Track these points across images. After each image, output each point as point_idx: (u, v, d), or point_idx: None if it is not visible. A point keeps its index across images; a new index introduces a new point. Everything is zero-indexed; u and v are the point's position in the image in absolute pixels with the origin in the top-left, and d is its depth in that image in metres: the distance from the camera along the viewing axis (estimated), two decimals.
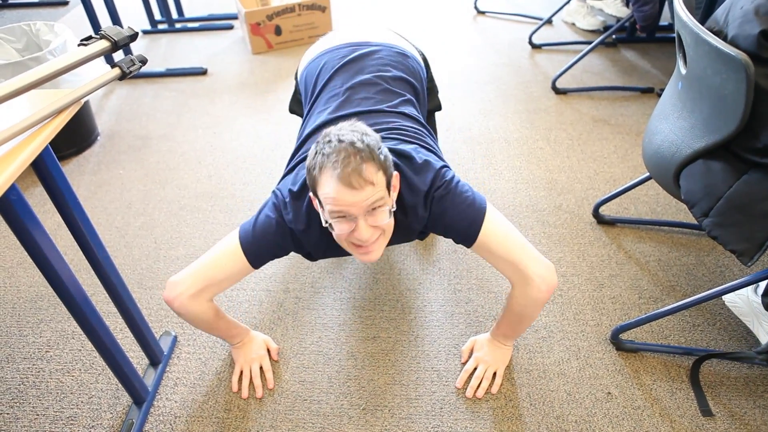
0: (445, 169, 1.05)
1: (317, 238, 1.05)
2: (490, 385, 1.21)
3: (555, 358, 1.28)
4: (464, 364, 1.27)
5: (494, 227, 1.02)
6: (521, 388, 1.22)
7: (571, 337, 1.32)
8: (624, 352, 1.28)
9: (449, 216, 1.02)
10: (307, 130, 1.18)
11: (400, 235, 1.08)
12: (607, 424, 1.14)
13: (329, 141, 0.91)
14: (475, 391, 1.20)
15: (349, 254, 1.07)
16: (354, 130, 0.92)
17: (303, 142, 1.17)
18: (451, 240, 1.60)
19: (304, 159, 1.08)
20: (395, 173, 0.99)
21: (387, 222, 0.96)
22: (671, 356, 1.27)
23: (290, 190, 1.05)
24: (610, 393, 1.20)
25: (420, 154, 1.05)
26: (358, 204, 0.89)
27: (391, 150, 1.03)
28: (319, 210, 0.97)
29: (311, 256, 1.14)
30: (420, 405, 1.19)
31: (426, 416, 1.17)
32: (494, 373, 1.23)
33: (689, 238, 1.58)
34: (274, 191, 1.09)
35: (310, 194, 0.99)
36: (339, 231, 0.94)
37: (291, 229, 1.04)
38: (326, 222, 0.95)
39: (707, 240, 1.57)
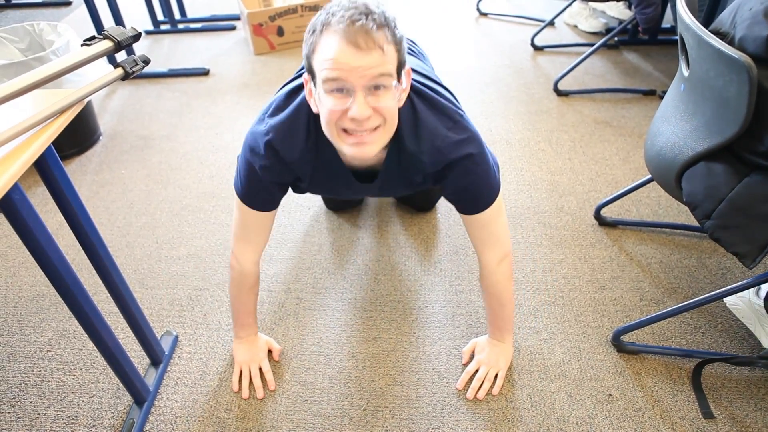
0: (476, 130, 0.99)
1: (301, 148, 0.94)
2: (491, 387, 1.21)
3: (556, 360, 1.28)
4: (465, 365, 1.27)
5: (499, 205, 1.06)
6: (522, 389, 1.22)
7: (572, 339, 1.32)
8: (625, 354, 1.28)
9: (474, 181, 0.99)
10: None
11: (404, 168, 0.98)
12: (608, 426, 1.14)
13: (339, 2, 0.80)
14: (476, 393, 1.20)
15: (340, 192, 1.06)
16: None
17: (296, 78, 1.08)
18: (452, 241, 1.61)
19: (295, 78, 1.02)
20: (408, 68, 0.88)
21: (390, 107, 0.83)
22: (672, 358, 1.27)
23: (275, 101, 0.98)
24: (611, 395, 1.20)
25: (447, 93, 1.03)
26: (361, 70, 0.76)
27: (424, 85, 0.98)
28: (311, 96, 0.87)
29: (298, 182, 1.05)
30: (421, 406, 1.19)
31: (427, 417, 1.17)
32: (495, 375, 1.23)
33: (691, 240, 1.58)
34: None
35: (304, 76, 0.88)
36: (331, 107, 0.81)
37: (267, 151, 0.95)
38: (319, 104, 0.83)
39: (709, 242, 1.57)
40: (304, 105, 0.95)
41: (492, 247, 1.10)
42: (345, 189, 1.09)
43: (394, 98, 0.83)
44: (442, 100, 0.98)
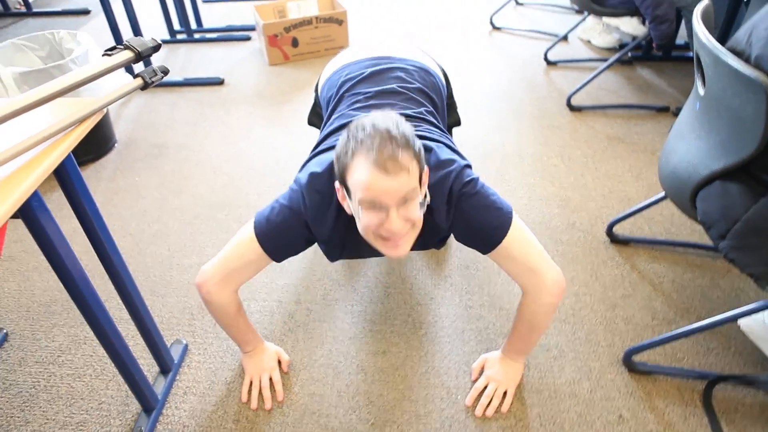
0: (468, 168, 1.03)
1: (330, 228, 1.02)
2: (500, 404, 1.20)
3: (566, 379, 1.26)
4: (474, 381, 1.26)
5: (519, 233, 1.03)
6: (532, 408, 1.20)
7: (582, 358, 1.31)
8: (636, 374, 1.27)
9: (476, 217, 1.00)
10: (330, 128, 1.16)
11: (426, 235, 1.03)
12: None
13: (363, 128, 0.88)
14: (485, 410, 1.19)
15: (365, 256, 1.07)
16: (389, 118, 0.90)
17: (326, 137, 1.15)
18: (463, 255, 1.60)
19: (329, 149, 1.06)
20: (426, 169, 0.97)
21: (418, 215, 0.93)
22: (685, 380, 1.25)
23: (311, 174, 1.02)
24: (621, 416, 1.18)
25: (444, 150, 1.04)
26: (392, 192, 0.86)
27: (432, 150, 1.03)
28: (345, 201, 0.95)
29: (329, 252, 1.11)
30: (429, 422, 1.18)
31: None
32: (504, 392, 1.21)
33: (704, 259, 1.56)
34: (295, 178, 1.07)
35: (336, 184, 0.96)
36: (367, 222, 0.91)
37: (305, 218, 1.02)
38: (355, 213, 0.92)
39: (722, 262, 1.55)
40: (334, 194, 1.01)
41: (527, 279, 1.06)
42: (369, 254, 1.13)
43: (419, 206, 0.93)
44: (431, 144, 1.04)
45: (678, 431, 1.15)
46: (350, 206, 0.94)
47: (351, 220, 1.00)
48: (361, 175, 0.86)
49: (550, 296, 1.06)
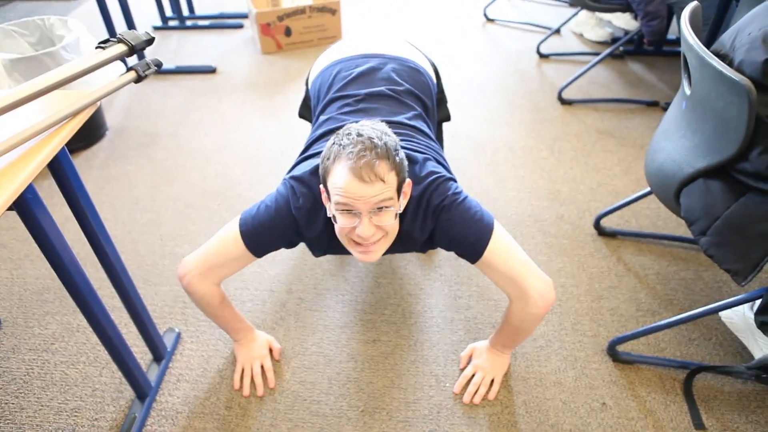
0: (452, 182, 1.06)
1: (320, 231, 1.05)
2: (487, 392, 1.23)
3: (552, 368, 1.30)
4: (462, 369, 1.29)
5: (500, 245, 1.03)
6: (518, 395, 1.24)
7: (568, 347, 1.34)
8: (620, 363, 1.30)
9: (456, 229, 1.03)
10: (319, 132, 1.18)
11: (401, 243, 1.08)
12: None
13: (348, 134, 0.92)
14: (473, 397, 1.22)
15: (348, 253, 1.09)
16: (375, 128, 0.94)
17: (314, 142, 1.17)
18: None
19: (317, 154, 1.09)
20: (408, 180, 1.00)
21: (391, 224, 0.96)
22: (666, 369, 1.29)
23: (301, 177, 1.05)
24: (605, 403, 1.22)
25: (428, 164, 1.07)
26: (366, 199, 0.89)
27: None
28: (326, 203, 0.98)
29: (315, 249, 1.14)
30: (418, 409, 1.21)
31: (423, 420, 1.19)
32: (492, 380, 1.25)
33: (688, 252, 1.60)
34: (283, 181, 1.09)
35: (320, 186, 0.99)
36: (342, 224, 0.95)
37: (294, 219, 1.04)
38: (331, 215, 0.96)
39: (705, 256, 1.58)
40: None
41: (511, 288, 1.06)
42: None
43: (393, 215, 0.95)
44: (416, 156, 1.07)
45: (659, 418, 1.19)
46: (329, 208, 0.97)
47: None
48: (338, 179, 0.90)
49: (536, 308, 1.06)
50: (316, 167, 1.04)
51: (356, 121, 1.01)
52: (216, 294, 1.15)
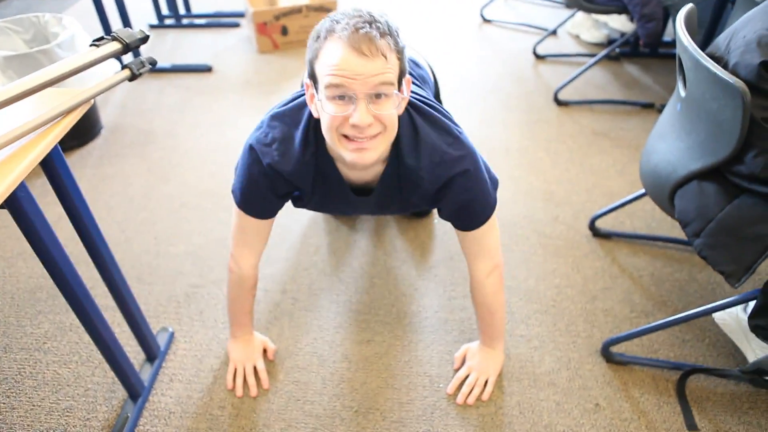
0: (475, 152, 1.00)
1: (298, 160, 0.95)
2: (481, 393, 1.23)
3: (545, 368, 1.30)
4: (456, 370, 1.29)
5: (493, 220, 1.07)
6: (511, 396, 1.24)
7: (562, 348, 1.34)
8: (614, 364, 1.30)
9: (472, 194, 0.98)
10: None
11: (404, 187, 0.99)
12: None
13: (344, 11, 0.82)
14: (466, 398, 1.22)
15: (338, 206, 1.08)
16: (373, 9, 0.84)
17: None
18: (447, 247, 1.62)
19: (294, 99, 1.02)
20: (408, 77, 0.90)
21: (390, 116, 0.84)
22: (660, 370, 1.29)
23: (269, 115, 0.99)
24: (598, 404, 1.22)
25: (455, 126, 0.99)
26: (365, 77, 0.78)
27: (423, 102, 0.99)
28: (312, 102, 0.88)
29: (299, 198, 1.07)
30: (411, 409, 1.21)
31: (417, 420, 1.19)
32: (486, 381, 1.25)
33: (683, 254, 1.60)
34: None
35: (305, 81, 0.88)
36: (332, 112, 0.82)
37: (263, 165, 0.96)
38: (320, 110, 0.84)
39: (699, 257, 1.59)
40: (304, 115, 0.96)
41: (482, 260, 1.12)
42: (343, 203, 1.09)
43: (394, 106, 0.85)
44: (442, 117, 1.00)
45: (652, 419, 1.19)
46: (317, 106, 0.86)
47: (319, 146, 0.95)
48: (332, 55, 0.78)
49: (500, 277, 1.15)
50: (290, 99, 0.99)
51: None
52: (253, 276, 1.19)
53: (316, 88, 0.85)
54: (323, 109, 0.84)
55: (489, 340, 1.26)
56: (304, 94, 0.98)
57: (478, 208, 1.03)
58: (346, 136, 0.85)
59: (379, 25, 0.80)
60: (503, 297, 1.19)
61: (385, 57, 0.79)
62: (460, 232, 1.09)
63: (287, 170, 0.97)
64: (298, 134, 0.95)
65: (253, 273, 1.19)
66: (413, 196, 1.02)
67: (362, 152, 0.86)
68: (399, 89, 0.85)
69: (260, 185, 1.01)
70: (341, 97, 0.81)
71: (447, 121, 1.00)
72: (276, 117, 0.99)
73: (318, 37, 0.82)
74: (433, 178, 0.96)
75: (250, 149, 1.00)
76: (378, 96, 0.81)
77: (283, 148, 0.95)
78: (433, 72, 1.45)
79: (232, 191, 1.09)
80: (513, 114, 2.31)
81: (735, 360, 1.31)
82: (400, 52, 0.83)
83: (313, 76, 0.85)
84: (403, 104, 0.91)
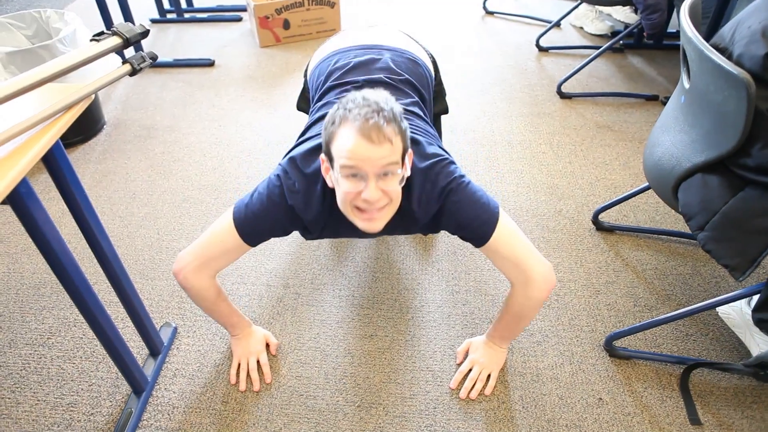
0: (455, 165, 1.05)
1: (317, 211, 1.03)
2: (484, 387, 1.23)
3: (549, 363, 1.29)
4: (459, 365, 1.29)
5: (506, 229, 1.05)
6: (514, 390, 1.24)
7: (565, 342, 1.34)
8: (617, 358, 1.30)
9: (465, 212, 1.02)
10: (316, 116, 1.17)
11: (402, 222, 1.05)
12: (597, 430, 1.16)
13: (354, 99, 0.91)
14: (469, 393, 1.22)
15: (346, 236, 1.08)
16: (379, 93, 0.93)
17: (312, 125, 1.16)
18: (450, 241, 1.62)
19: (314, 136, 1.08)
20: (410, 151, 0.99)
21: (396, 190, 0.95)
22: (663, 365, 1.29)
23: (298, 157, 1.04)
24: (601, 399, 1.22)
25: (432, 146, 1.06)
26: (373, 160, 0.88)
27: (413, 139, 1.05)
28: (328, 173, 0.97)
29: (308, 233, 1.12)
30: (414, 404, 1.21)
31: (419, 415, 1.19)
32: (488, 376, 1.25)
33: (686, 247, 1.59)
34: (278, 165, 1.08)
35: (321, 156, 0.98)
36: (347, 189, 0.92)
37: (288, 204, 1.03)
38: (332, 184, 0.94)
39: (703, 251, 1.58)
40: (320, 174, 1.02)
41: (513, 272, 1.08)
42: (350, 235, 1.14)
43: (399, 182, 0.95)
44: (426, 151, 1.05)
45: (655, 414, 1.19)
46: (332, 177, 0.95)
47: (333, 202, 1.01)
48: (345, 141, 0.88)
49: (539, 291, 1.07)
50: (313, 147, 1.03)
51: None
52: (212, 288, 1.15)
53: (332, 165, 0.94)
54: (339, 184, 0.94)
55: (499, 339, 1.26)
56: (316, 142, 1.06)
57: (477, 224, 1.03)
58: (358, 208, 0.96)
59: (385, 113, 0.89)
60: (537, 310, 1.14)
61: (391, 142, 0.89)
62: (481, 250, 1.08)
63: (307, 218, 1.05)
64: (317, 192, 1.03)
65: (212, 283, 1.14)
66: (413, 228, 1.12)
67: (372, 221, 0.96)
68: (402, 165, 0.94)
69: (276, 217, 1.05)
70: (354, 176, 0.91)
71: (431, 153, 1.05)
72: (299, 166, 1.04)
73: (333, 122, 0.92)
74: (424, 215, 1.05)
75: (279, 184, 1.04)
76: (385, 174, 0.91)
77: (306, 199, 1.03)
78: (434, 61, 1.44)
79: (237, 208, 1.07)
80: (516, 107, 2.30)
81: (739, 355, 1.30)
82: (403, 134, 0.92)
83: (328, 155, 0.94)
84: (406, 175, 0.99)
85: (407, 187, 1.02)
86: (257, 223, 1.05)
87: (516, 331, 1.22)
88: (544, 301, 1.11)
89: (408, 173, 1.00)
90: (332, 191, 1.01)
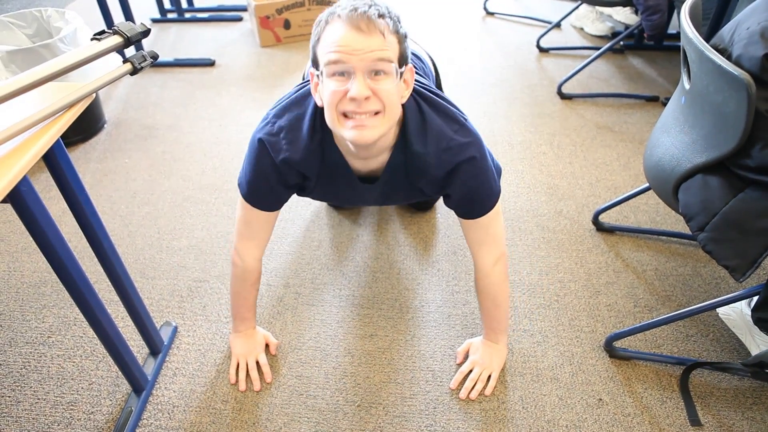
0: (480, 139, 1.02)
1: (305, 148, 0.96)
2: (484, 388, 1.23)
3: (548, 363, 1.29)
4: (459, 365, 1.29)
5: (498, 208, 1.08)
6: (514, 391, 1.24)
7: (565, 343, 1.34)
8: (617, 359, 1.30)
9: (478, 181, 1.00)
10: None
11: (409, 171, 1.00)
12: (597, 430, 1.16)
13: (345, 1, 0.84)
14: (469, 393, 1.22)
15: (345, 195, 1.08)
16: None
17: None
18: (450, 241, 1.62)
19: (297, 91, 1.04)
20: (411, 66, 0.91)
21: (389, 94, 0.84)
22: (663, 365, 1.28)
23: (275, 108, 1.00)
24: (601, 399, 1.22)
25: (460, 113, 1.01)
26: (363, 52, 0.80)
27: (431, 92, 1.00)
28: (317, 91, 0.90)
29: (306, 182, 1.06)
30: (414, 404, 1.21)
31: (419, 415, 1.19)
32: (489, 376, 1.25)
33: (687, 248, 1.59)
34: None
35: (309, 70, 0.91)
36: (333, 88, 0.83)
37: (272, 156, 0.98)
38: (322, 94, 0.86)
39: (704, 252, 1.58)
40: (310, 103, 0.98)
41: (488, 248, 1.13)
42: (348, 191, 1.11)
43: (393, 84, 0.85)
44: (448, 105, 1.02)
45: (655, 414, 1.19)
46: (320, 94, 0.88)
47: (325, 134, 0.97)
48: (332, 34, 0.82)
49: (505, 266, 1.16)
50: (291, 100, 1.00)
51: None
52: (256, 270, 1.20)
53: (320, 76, 0.87)
54: (324, 87, 0.85)
55: (493, 334, 1.26)
56: (305, 86, 1.01)
57: (484, 196, 1.04)
58: (345, 115, 0.86)
59: (378, 7, 0.82)
60: (508, 288, 1.20)
61: (383, 35, 0.81)
62: (465, 221, 1.09)
63: (296, 158, 0.98)
64: (305, 122, 0.97)
65: (257, 266, 1.20)
66: (420, 183, 1.03)
67: (361, 129, 0.85)
68: (400, 74, 0.86)
69: (269, 178, 1.03)
70: (341, 74, 0.83)
71: (453, 108, 1.01)
72: (281, 108, 1.01)
73: (320, 22, 0.85)
74: (440, 164, 0.98)
75: (259, 142, 1.01)
76: (377, 73, 0.83)
77: (291, 136, 0.97)
78: (434, 64, 1.45)
79: (239, 184, 1.10)
80: (516, 107, 2.30)
81: (739, 356, 1.30)
82: (400, 36, 0.85)
83: (315, 61, 0.87)
84: (407, 93, 0.92)
85: (424, 127, 0.95)
86: (257, 185, 1.05)
87: (501, 318, 1.23)
88: (506, 273, 1.17)
89: (409, 91, 0.92)
90: (323, 124, 0.94)
